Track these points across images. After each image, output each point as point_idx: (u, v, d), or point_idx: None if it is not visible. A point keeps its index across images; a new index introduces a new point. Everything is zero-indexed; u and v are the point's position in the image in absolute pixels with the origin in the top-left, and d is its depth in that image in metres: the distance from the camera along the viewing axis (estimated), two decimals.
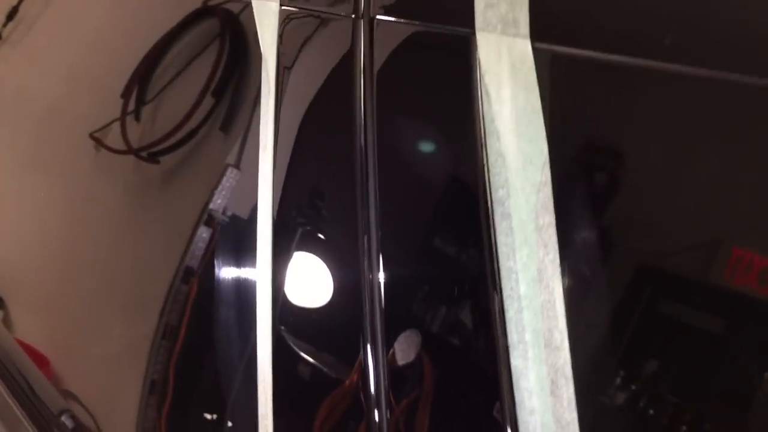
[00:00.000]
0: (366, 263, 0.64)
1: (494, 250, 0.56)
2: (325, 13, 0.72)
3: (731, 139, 0.48)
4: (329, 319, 0.70)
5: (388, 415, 0.63)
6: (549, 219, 0.54)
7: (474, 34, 0.57)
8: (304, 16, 0.75)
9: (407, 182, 0.66)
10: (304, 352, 0.70)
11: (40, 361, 1.10)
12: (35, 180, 1.26)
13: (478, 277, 0.58)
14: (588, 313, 0.54)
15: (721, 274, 0.47)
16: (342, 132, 0.67)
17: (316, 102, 0.72)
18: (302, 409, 0.71)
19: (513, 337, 0.55)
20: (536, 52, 0.54)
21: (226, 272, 0.79)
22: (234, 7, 0.88)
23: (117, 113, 1.04)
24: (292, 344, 0.71)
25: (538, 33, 0.54)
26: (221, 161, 0.83)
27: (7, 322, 1.23)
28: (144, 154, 1.00)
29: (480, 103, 0.57)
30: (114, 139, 1.04)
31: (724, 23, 0.47)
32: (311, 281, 0.71)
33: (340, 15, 0.69)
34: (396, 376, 0.63)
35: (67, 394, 1.04)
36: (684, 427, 0.50)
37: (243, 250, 0.77)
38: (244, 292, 0.76)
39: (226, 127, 0.86)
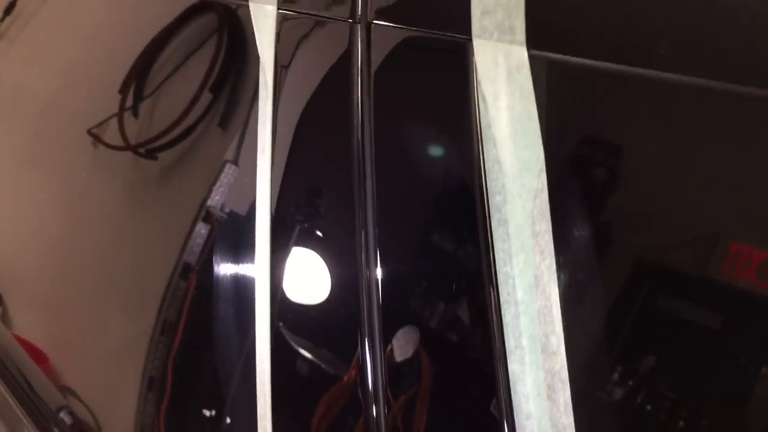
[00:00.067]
0: (363, 259, 0.64)
1: (491, 255, 0.56)
2: (323, 17, 0.72)
3: (728, 133, 0.48)
4: (327, 316, 0.70)
5: (386, 412, 0.63)
6: (545, 225, 0.54)
7: (471, 40, 0.57)
8: (301, 19, 0.74)
9: (404, 185, 0.66)
10: (303, 349, 0.70)
11: (39, 357, 1.11)
12: (33, 176, 1.26)
13: (476, 274, 0.58)
14: (585, 308, 0.54)
15: (719, 268, 0.47)
16: (339, 131, 0.67)
17: (313, 101, 0.72)
18: (300, 405, 0.71)
19: (510, 342, 0.55)
20: (532, 59, 0.54)
21: (225, 269, 0.79)
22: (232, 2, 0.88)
23: (115, 109, 1.04)
24: (290, 341, 0.71)
25: (534, 40, 0.54)
26: (219, 157, 0.83)
27: (5, 318, 1.23)
28: (142, 150, 0.99)
29: (477, 109, 0.57)
30: (112, 135, 1.04)
31: (722, 31, 0.47)
32: (309, 278, 0.71)
33: (337, 19, 0.69)
34: (394, 373, 0.63)
35: (66, 390, 1.04)
36: (681, 423, 0.50)
37: (241, 247, 0.77)
38: (242, 288, 0.76)
39: (224, 123, 0.86)
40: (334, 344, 0.69)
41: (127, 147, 1.01)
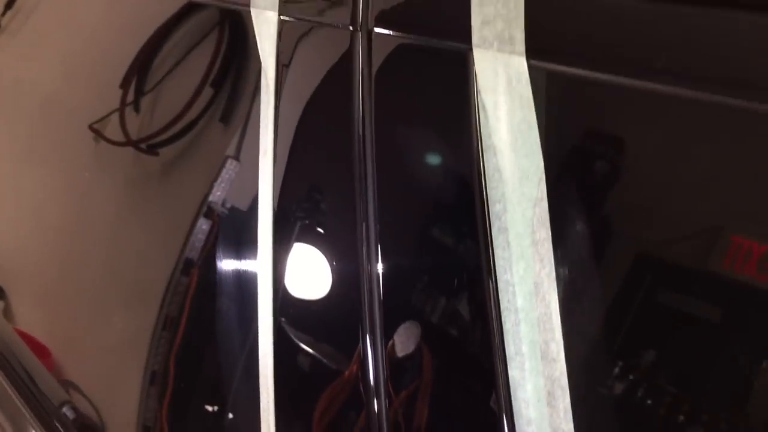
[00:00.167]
0: (365, 253, 0.64)
1: (492, 263, 0.57)
2: (324, 24, 0.72)
3: (727, 127, 0.48)
4: (329, 311, 0.70)
5: (387, 406, 0.63)
6: (545, 234, 0.54)
7: (471, 49, 0.57)
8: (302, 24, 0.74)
9: (405, 195, 0.66)
10: (304, 344, 0.70)
11: (42, 351, 1.11)
12: (35, 171, 1.26)
13: (476, 273, 0.58)
14: (585, 306, 0.54)
15: (719, 262, 0.47)
16: (340, 136, 0.67)
17: (314, 102, 0.72)
18: (302, 400, 0.71)
19: (510, 348, 0.55)
20: (532, 70, 0.54)
21: (226, 264, 0.79)
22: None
23: (116, 104, 1.04)
24: (292, 336, 0.71)
25: (533, 51, 0.54)
26: (221, 153, 0.83)
27: (8, 313, 1.24)
28: (143, 145, 0.99)
29: (477, 118, 0.57)
30: (113, 130, 1.04)
31: (721, 45, 0.47)
32: (311, 274, 0.71)
33: (338, 26, 0.69)
34: (395, 368, 0.63)
35: (69, 385, 1.05)
36: (681, 417, 0.50)
37: (242, 242, 0.77)
38: (244, 283, 0.76)
39: (225, 118, 0.85)
40: (335, 339, 0.69)
41: (129, 142, 1.01)
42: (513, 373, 0.55)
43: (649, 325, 0.52)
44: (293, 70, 0.74)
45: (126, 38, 1.08)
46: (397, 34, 0.65)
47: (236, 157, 0.81)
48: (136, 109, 1.03)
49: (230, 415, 0.78)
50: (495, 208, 0.56)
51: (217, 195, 0.82)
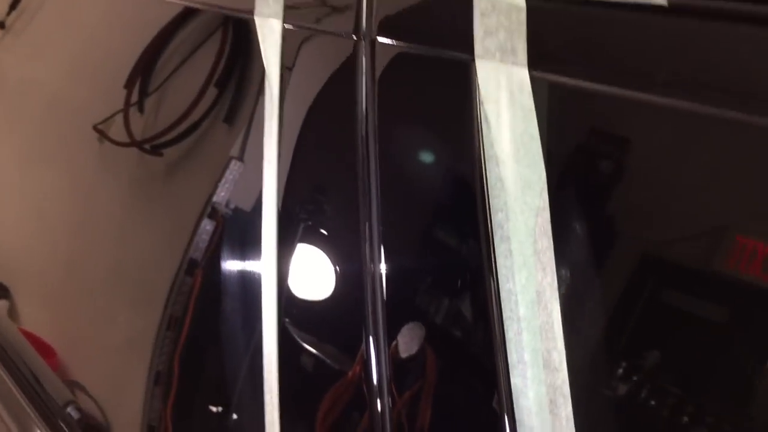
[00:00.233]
0: (368, 254, 0.64)
1: (494, 272, 0.57)
2: (328, 33, 0.72)
3: (730, 127, 0.48)
4: (332, 312, 0.70)
5: (391, 406, 0.63)
6: (547, 243, 0.54)
7: (473, 60, 0.57)
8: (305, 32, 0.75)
9: (408, 204, 0.66)
10: (308, 344, 0.70)
11: (47, 351, 1.11)
12: (40, 172, 1.26)
13: (480, 276, 0.58)
14: (589, 305, 0.54)
15: (724, 262, 0.47)
16: (344, 142, 0.67)
17: (317, 105, 0.72)
18: (306, 400, 0.71)
19: (513, 356, 0.55)
20: (534, 81, 0.54)
21: (230, 265, 0.80)
22: None
23: (120, 104, 1.04)
24: (296, 336, 0.71)
25: (535, 62, 0.54)
26: (225, 153, 0.84)
27: (13, 312, 1.24)
28: (147, 146, 1.00)
29: (480, 128, 0.57)
30: (117, 130, 1.04)
31: (722, 58, 0.47)
32: (314, 275, 0.71)
33: (342, 35, 0.69)
34: (399, 368, 0.63)
35: (74, 385, 1.05)
36: (685, 419, 0.50)
37: (246, 243, 0.77)
38: (248, 284, 0.76)
39: (229, 118, 0.86)
40: (339, 340, 0.70)
41: (133, 143, 1.02)
42: (515, 381, 0.55)
43: (653, 326, 0.52)
44: (297, 74, 0.74)
45: (130, 38, 1.09)
46: (400, 43, 0.65)
47: (240, 158, 0.81)
48: (141, 110, 1.03)
49: (234, 416, 0.79)
50: (497, 217, 0.56)
51: (220, 196, 0.82)
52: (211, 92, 0.89)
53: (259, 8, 0.76)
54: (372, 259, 0.64)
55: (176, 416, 0.86)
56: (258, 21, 0.76)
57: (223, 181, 0.82)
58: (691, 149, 0.50)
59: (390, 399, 0.64)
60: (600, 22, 0.53)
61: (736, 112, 0.46)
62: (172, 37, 1.00)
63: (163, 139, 0.95)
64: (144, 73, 1.03)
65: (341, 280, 0.69)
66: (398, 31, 0.65)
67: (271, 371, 0.71)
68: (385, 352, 0.64)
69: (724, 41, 0.47)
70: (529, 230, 0.55)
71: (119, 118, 1.04)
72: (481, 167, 0.57)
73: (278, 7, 0.74)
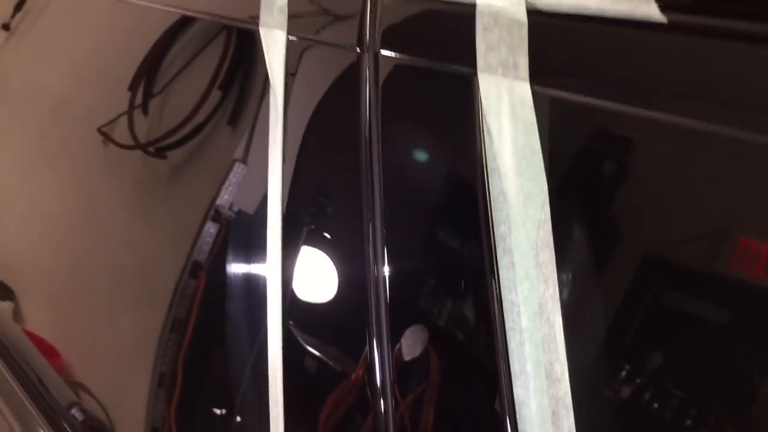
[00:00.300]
0: (371, 256, 0.65)
1: (497, 283, 0.57)
2: (331, 44, 0.73)
3: (734, 125, 0.48)
4: (336, 315, 0.70)
5: (394, 409, 0.63)
6: (549, 255, 0.55)
7: (476, 74, 0.58)
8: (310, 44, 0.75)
9: (411, 215, 0.66)
10: (312, 347, 0.71)
11: (51, 352, 1.11)
12: (44, 174, 1.27)
13: (483, 285, 0.58)
14: (591, 308, 0.54)
15: (727, 264, 0.47)
16: (348, 153, 0.68)
17: (321, 112, 0.72)
18: (309, 403, 0.72)
19: (515, 367, 0.56)
20: (536, 95, 0.55)
21: (234, 267, 0.80)
22: None
23: (124, 106, 1.05)
24: (299, 339, 0.71)
25: (537, 76, 0.55)
26: (228, 156, 0.84)
27: (17, 314, 1.24)
28: (151, 149, 1.00)
29: (482, 141, 0.58)
30: (121, 133, 1.04)
31: (723, 75, 0.47)
32: (318, 277, 0.71)
33: (346, 48, 0.69)
34: (402, 371, 0.63)
35: (78, 386, 1.05)
36: (689, 421, 0.50)
37: (249, 246, 0.77)
38: (252, 287, 0.76)
39: (233, 121, 0.86)
40: (342, 342, 0.70)
41: (137, 146, 1.02)
42: (518, 392, 0.56)
43: (655, 328, 0.52)
44: (300, 80, 0.75)
45: (134, 41, 1.09)
46: (404, 56, 0.65)
47: (244, 161, 0.81)
48: (145, 112, 1.03)
49: (238, 418, 0.79)
50: (500, 230, 0.57)
51: (224, 198, 0.82)
52: (215, 94, 0.89)
53: (264, 19, 0.76)
54: (376, 263, 0.65)
55: (180, 418, 0.86)
56: (263, 32, 0.76)
57: (227, 183, 0.82)
58: (690, 159, 0.50)
59: (393, 402, 0.64)
60: (600, 38, 0.53)
61: (735, 129, 0.46)
62: (175, 39, 1.00)
63: (166, 142, 0.95)
64: (148, 74, 1.03)
65: (344, 283, 0.69)
66: (401, 44, 0.66)
67: (275, 374, 0.71)
68: (388, 355, 0.64)
69: (724, 58, 0.47)
70: (531, 243, 0.55)
71: (123, 120, 1.04)
72: (484, 180, 0.58)
73: (282, 18, 0.74)
